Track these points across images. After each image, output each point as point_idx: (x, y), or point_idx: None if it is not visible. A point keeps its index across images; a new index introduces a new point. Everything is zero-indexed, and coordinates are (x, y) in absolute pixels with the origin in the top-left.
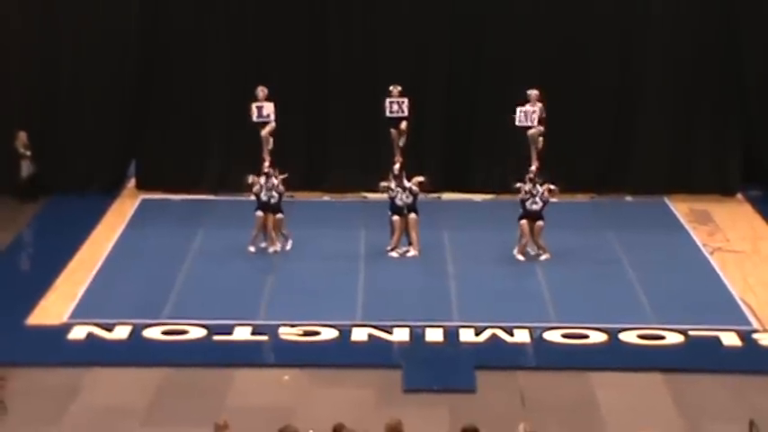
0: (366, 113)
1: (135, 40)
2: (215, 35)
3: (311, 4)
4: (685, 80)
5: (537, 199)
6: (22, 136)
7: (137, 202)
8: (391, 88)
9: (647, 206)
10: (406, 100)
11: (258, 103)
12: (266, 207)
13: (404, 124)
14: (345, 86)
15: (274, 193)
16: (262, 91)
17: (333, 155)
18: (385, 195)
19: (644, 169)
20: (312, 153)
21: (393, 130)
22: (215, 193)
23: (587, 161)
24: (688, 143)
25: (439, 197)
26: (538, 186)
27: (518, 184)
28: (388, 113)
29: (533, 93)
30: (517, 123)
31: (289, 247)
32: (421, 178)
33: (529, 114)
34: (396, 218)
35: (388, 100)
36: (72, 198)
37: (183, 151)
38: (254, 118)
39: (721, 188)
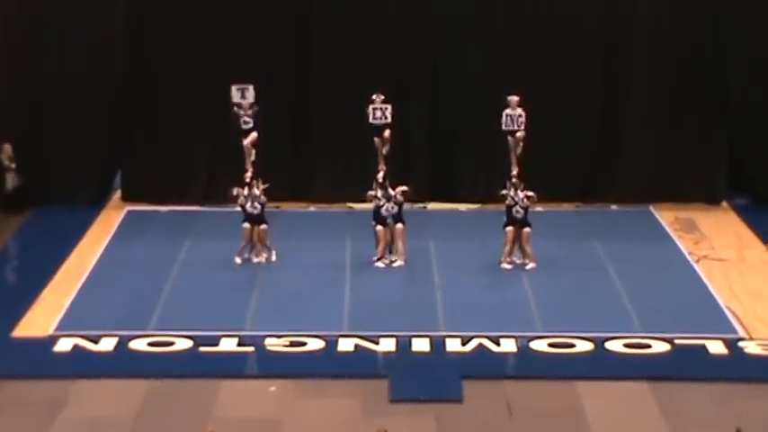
0: (351, 123)
1: (119, 52)
2: (200, 46)
3: (296, 18)
4: (670, 89)
5: (518, 207)
6: (7, 148)
7: (122, 214)
8: (374, 97)
9: (633, 215)
10: (389, 106)
11: (240, 86)
12: (252, 218)
13: (387, 132)
14: (331, 97)
15: (257, 204)
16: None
17: (318, 165)
18: (370, 205)
19: (629, 178)
20: (297, 163)
21: (376, 139)
22: (201, 204)
23: (572, 170)
24: (673, 152)
25: (424, 207)
26: (519, 192)
27: (503, 192)
28: (371, 120)
29: (514, 99)
30: (504, 128)
31: (273, 258)
32: (404, 187)
33: (515, 118)
34: (379, 227)
35: (370, 107)
36: (58, 210)
37: (169, 162)
38: (235, 99)
39: (707, 196)
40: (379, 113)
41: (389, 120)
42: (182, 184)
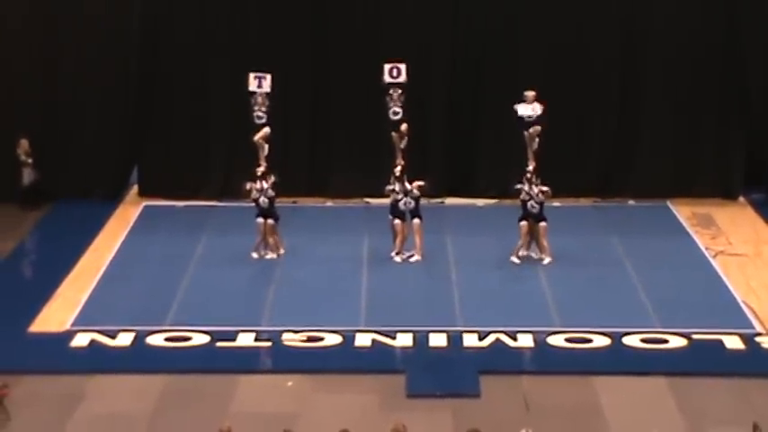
0: (368, 119)
1: (136, 47)
2: (216, 44)
3: (313, 16)
4: (688, 84)
5: (533, 202)
6: (24, 143)
7: (139, 209)
8: (391, 92)
9: (650, 210)
10: (403, 65)
11: (258, 74)
12: (263, 213)
13: (404, 126)
14: (348, 92)
15: (265, 199)
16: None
17: (335, 160)
18: (388, 200)
19: (646, 173)
20: (315, 159)
21: (394, 134)
22: (218, 199)
23: (590, 165)
24: (691, 147)
25: (442, 202)
26: (534, 187)
27: (518, 186)
28: (387, 79)
29: (530, 93)
30: (519, 113)
31: (281, 252)
32: (421, 182)
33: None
34: (397, 221)
35: (386, 66)
36: (74, 205)
37: (186, 157)
38: (252, 87)
39: (724, 192)
40: (397, 109)
41: (405, 78)
42: (198, 178)
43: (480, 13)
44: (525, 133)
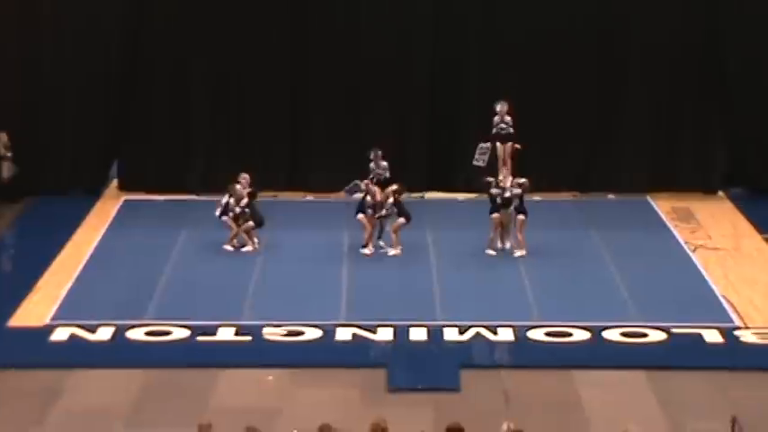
0: (348, 114)
1: (118, 42)
2: (198, 37)
3: (294, 14)
4: (668, 79)
5: (506, 194)
6: (4, 137)
7: (119, 203)
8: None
9: (630, 204)
10: (385, 163)
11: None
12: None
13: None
14: (329, 87)
15: (237, 209)
16: (244, 179)
17: (316, 155)
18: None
19: (626, 168)
20: (295, 153)
21: (372, 154)
22: (197, 193)
23: (570, 159)
24: (670, 142)
25: (422, 196)
26: (507, 180)
27: (488, 179)
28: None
29: (503, 106)
30: (474, 163)
31: (256, 244)
32: (395, 186)
33: (482, 156)
34: (360, 215)
35: (371, 164)
36: (54, 199)
37: (166, 152)
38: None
39: (703, 186)
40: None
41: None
42: (178, 173)
43: (460, 11)
44: (499, 145)
